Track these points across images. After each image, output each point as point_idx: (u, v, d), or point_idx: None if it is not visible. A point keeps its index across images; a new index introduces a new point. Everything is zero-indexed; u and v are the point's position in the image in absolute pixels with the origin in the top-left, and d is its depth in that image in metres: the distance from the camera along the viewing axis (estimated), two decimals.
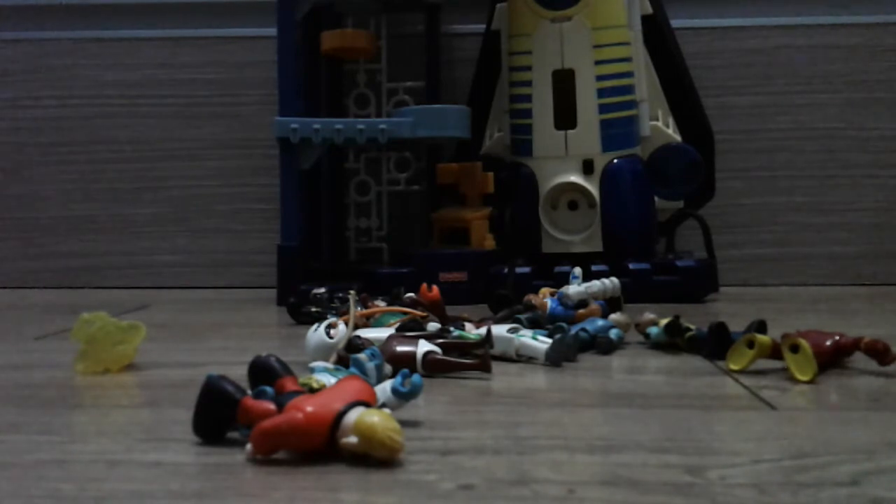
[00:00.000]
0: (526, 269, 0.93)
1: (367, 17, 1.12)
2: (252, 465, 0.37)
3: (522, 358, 0.59)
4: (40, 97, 1.20)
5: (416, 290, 0.69)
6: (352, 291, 0.64)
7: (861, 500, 0.32)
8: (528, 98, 0.97)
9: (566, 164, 0.95)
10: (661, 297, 0.88)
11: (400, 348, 0.54)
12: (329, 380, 0.47)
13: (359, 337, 0.56)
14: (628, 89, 0.96)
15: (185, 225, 1.18)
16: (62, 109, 1.20)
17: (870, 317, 0.83)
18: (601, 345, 0.62)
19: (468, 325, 0.62)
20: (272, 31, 0.97)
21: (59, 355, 0.62)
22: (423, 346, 0.54)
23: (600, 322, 0.64)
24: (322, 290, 0.79)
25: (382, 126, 0.93)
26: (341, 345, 0.55)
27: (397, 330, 0.60)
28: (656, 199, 0.98)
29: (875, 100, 1.11)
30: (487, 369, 0.53)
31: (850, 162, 1.11)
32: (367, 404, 0.38)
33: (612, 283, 0.76)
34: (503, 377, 0.55)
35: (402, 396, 0.42)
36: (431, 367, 0.54)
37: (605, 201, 0.94)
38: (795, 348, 0.52)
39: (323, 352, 0.55)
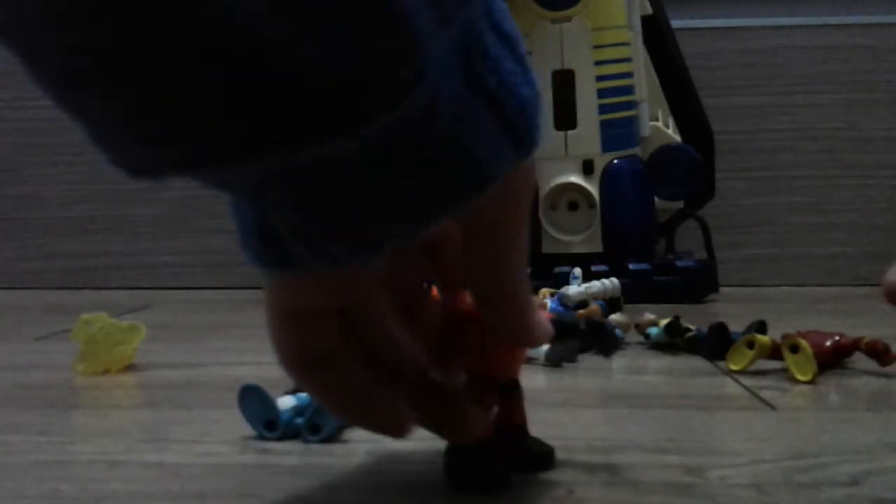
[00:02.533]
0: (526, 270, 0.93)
1: None
2: (252, 465, 0.37)
3: None
4: (40, 97, 1.19)
5: None
6: None
7: (861, 500, 0.32)
8: None
9: (566, 165, 0.95)
10: (661, 298, 0.88)
11: None
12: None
13: None
14: (628, 89, 0.96)
15: (185, 225, 1.18)
16: None
17: (870, 317, 0.83)
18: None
19: None
20: None
21: (59, 356, 0.62)
22: None
23: None
24: None
25: None
26: None
27: None
28: (656, 199, 0.98)
29: (875, 100, 1.11)
30: None
31: (850, 162, 1.11)
32: None
33: (611, 283, 0.76)
34: None
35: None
36: None
37: (605, 202, 0.94)
38: (795, 348, 0.52)
39: None
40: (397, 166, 0.25)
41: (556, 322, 0.44)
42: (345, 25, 0.19)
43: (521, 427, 0.37)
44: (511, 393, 0.36)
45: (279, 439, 0.40)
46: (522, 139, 0.27)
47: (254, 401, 0.41)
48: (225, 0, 0.18)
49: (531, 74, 0.27)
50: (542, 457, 0.37)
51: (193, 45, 0.19)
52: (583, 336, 0.58)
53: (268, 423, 0.41)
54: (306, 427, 0.40)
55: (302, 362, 0.30)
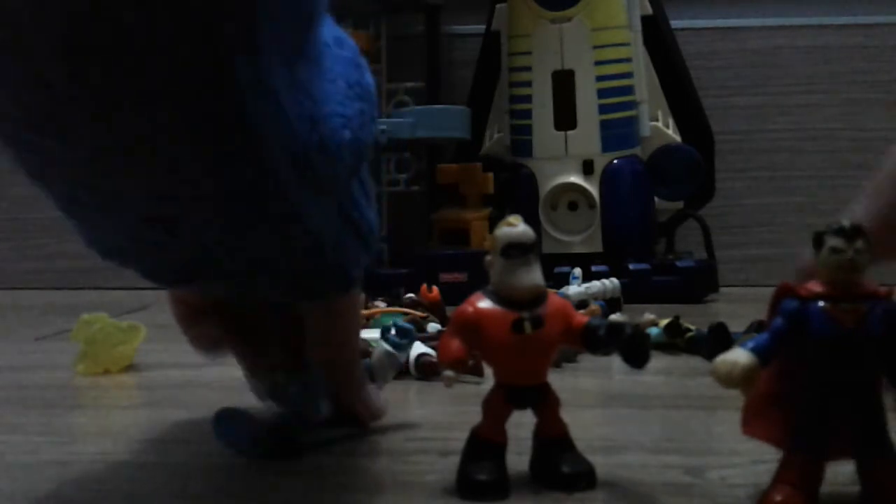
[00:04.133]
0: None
1: (366, 17, 1.12)
2: (252, 465, 0.37)
3: None
4: None
5: (416, 291, 0.69)
6: None
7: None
8: (528, 99, 0.97)
9: (566, 165, 0.95)
10: (661, 298, 0.88)
11: None
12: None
13: None
14: (628, 90, 0.96)
15: None
16: None
17: None
18: None
19: None
20: None
21: (59, 356, 0.62)
22: (417, 349, 0.54)
23: None
24: None
25: (383, 127, 0.93)
26: None
27: None
28: (656, 199, 0.98)
29: (875, 100, 1.11)
30: (480, 374, 0.52)
31: (850, 162, 1.11)
32: None
33: (611, 283, 0.76)
34: None
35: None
36: (424, 369, 0.53)
37: (605, 202, 0.94)
38: None
39: None
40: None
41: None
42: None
43: (556, 441, 0.35)
44: (535, 403, 0.34)
45: (272, 451, 0.38)
46: (371, 246, 0.37)
47: (231, 424, 0.38)
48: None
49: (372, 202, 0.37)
50: (573, 479, 0.33)
51: None
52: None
53: (253, 441, 0.38)
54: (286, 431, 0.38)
55: (182, 320, 0.43)
